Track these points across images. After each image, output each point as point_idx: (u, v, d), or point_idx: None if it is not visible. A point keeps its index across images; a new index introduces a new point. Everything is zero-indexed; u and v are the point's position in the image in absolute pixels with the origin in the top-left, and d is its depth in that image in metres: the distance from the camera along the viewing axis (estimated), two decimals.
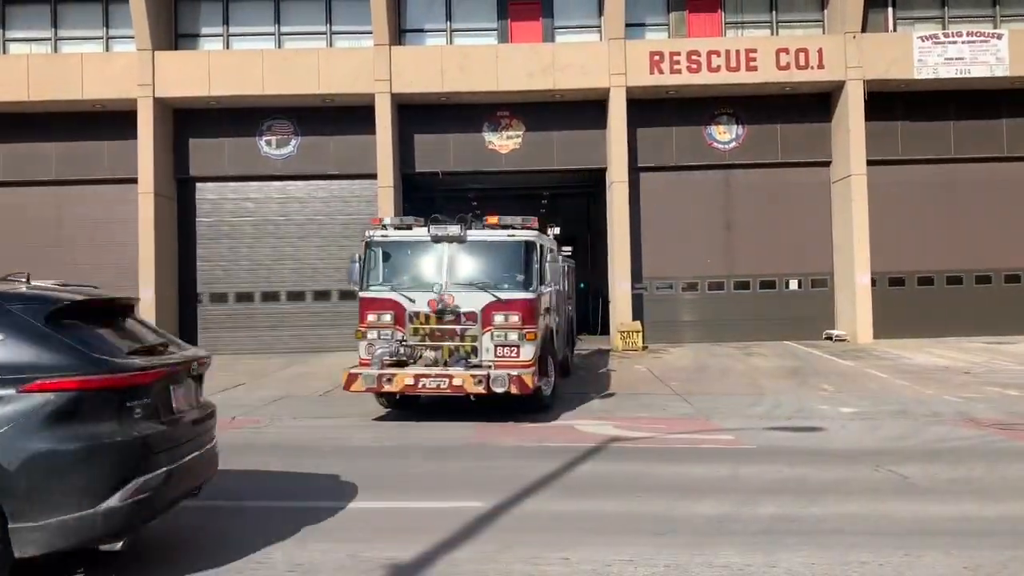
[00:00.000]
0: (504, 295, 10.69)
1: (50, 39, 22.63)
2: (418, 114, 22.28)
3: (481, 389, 10.16)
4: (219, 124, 22.26)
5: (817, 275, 22.76)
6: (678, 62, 21.45)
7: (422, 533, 5.44)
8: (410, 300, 10.72)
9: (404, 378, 10.33)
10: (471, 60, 21.47)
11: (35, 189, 22.21)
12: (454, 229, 10.92)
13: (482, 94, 21.66)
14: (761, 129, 22.51)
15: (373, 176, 21.43)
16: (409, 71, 21.41)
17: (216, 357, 6.67)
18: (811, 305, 22.61)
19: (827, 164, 22.69)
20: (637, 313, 21.91)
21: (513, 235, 11.06)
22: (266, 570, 4.77)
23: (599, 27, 22.67)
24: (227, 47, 22.49)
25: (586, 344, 21.93)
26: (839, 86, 21.68)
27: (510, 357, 10.58)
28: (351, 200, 22.58)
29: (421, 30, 22.82)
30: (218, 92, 21.31)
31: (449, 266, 10.88)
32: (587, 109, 22.36)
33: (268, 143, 22.41)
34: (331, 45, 22.51)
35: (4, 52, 22.49)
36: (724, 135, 22.67)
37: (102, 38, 22.68)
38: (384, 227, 11.46)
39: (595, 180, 24.61)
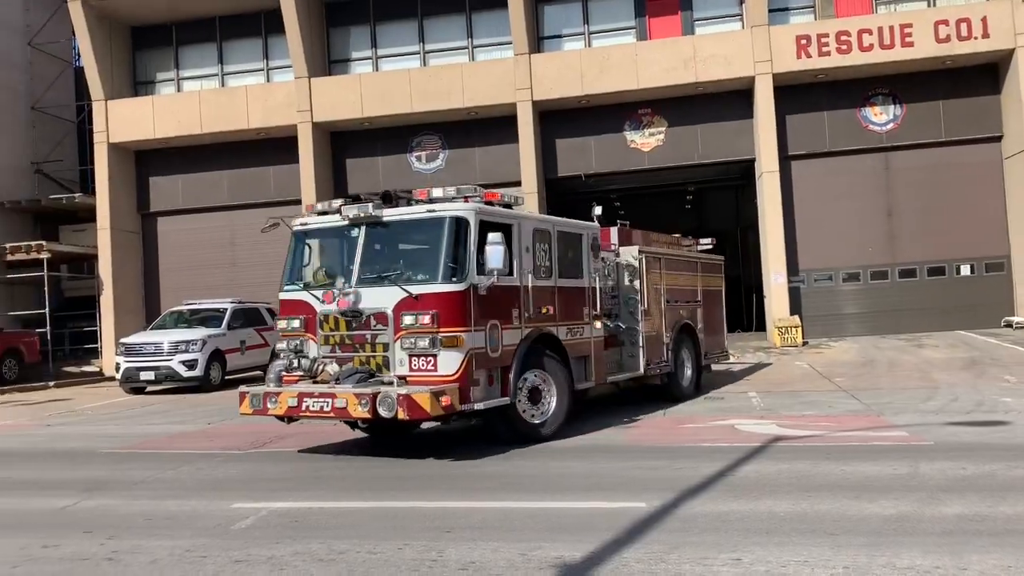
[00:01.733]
0: (416, 289, 8.43)
1: (218, 75, 24.41)
2: (559, 118, 22.47)
3: (366, 412, 8.02)
4: (372, 143, 23.33)
5: (992, 259, 21.21)
6: (826, 44, 20.59)
7: (587, 533, 5.51)
8: (320, 301, 8.92)
9: (288, 398, 8.49)
10: (610, 61, 21.45)
11: (211, 214, 24.04)
12: (367, 208, 8.90)
13: (622, 93, 21.61)
14: (921, 107, 21.25)
15: (518, 183, 21.78)
16: (549, 77, 21.64)
17: None
18: (986, 291, 21.10)
19: (998, 140, 21.14)
20: (794, 307, 21.16)
21: (434, 211, 8.70)
22: (439, 567, 4.97)
23: (740, 15, 22.11)
24: (376, 69, 23.51)
25: (740, 341, 21.37)
26: (1007, 55, 20.15)
27: (425, 370, 8.35)
28: None
29: (559, 36, 23.01)
30: (370, 113, 22.32)
31: (363, 255, 8.89)
32: (731, 100, 21.84)
33: (418, 158, 23.26)
34: (473, 59, 23.08)
35: (179, 90, 24.45)
36: (880, 116, 21.55)
37: (263, 70, 24.25)
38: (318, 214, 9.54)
39: (743, 172, 23.97)
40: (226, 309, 19.40)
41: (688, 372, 12.92)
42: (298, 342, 9.02)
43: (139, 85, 24.89)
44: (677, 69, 21.08)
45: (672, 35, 22.13)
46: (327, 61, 23.77)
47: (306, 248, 9.43)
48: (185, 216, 24.24)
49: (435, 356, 8.32)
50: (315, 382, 8.71)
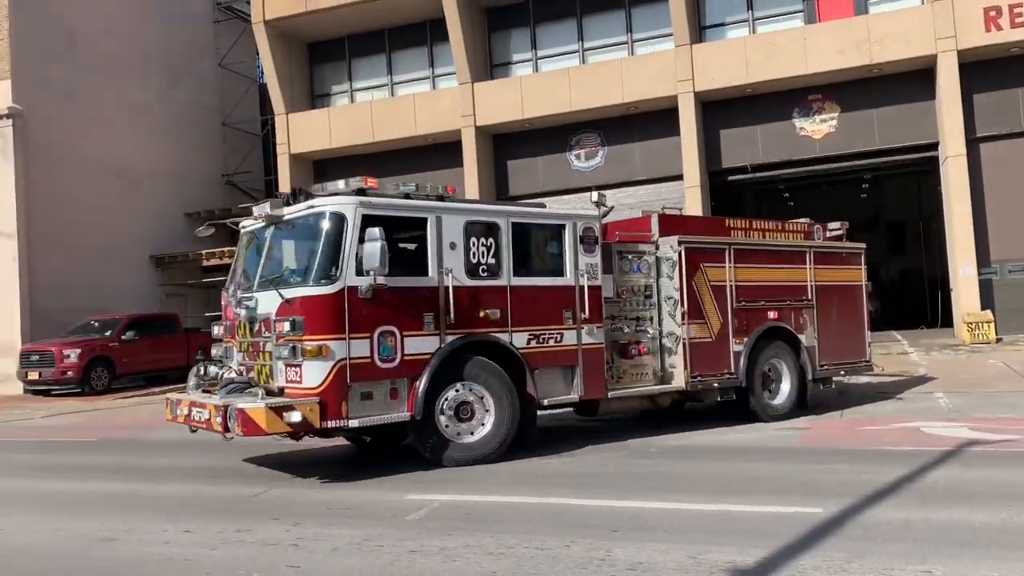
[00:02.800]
0: (289, 292, 7.88)
1: (387, 84, 25.49)
2: (722, 109, 21.86)
3: (220, 427, 7.65)
4: (533, 144, 23.60)
5: None
6: (1020, 14, 18.86)
7: (761, 537, 5.32)
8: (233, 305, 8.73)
9: (184, 406, 8.43)
10: (776, 46, 20.64)
11: None
12: (264, 208, 8.51)
13: (790, 80, 20.75)
14: None
15: (680, 178, 21.37)
16: (712, 67, 21.10)
17: None
18: None
19: None
20: (986, 301, 19.55)
21: (313, 207, 8.13)
22: (607, 567, 4.95)
23: None
24: (536, 70, 23.76)
25: (924, 339, 19.97)
26: None
27: (295, 381, 7.74)
28: (658, 204, 22.66)
29: (722, 24, 22.39)
30: (530, 114, 22.60)
31: (266, 257, 8.62)
32: (910, 81, 20.49)
33: (577, 157, 23.31)
34: (632, 53, 22.86)
35: (352, 101, 25.73)
36: None
37: (428, 78, 25.09)
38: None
39: (925, 157, 22.39)
40: None
41: (784, 387, 10.81)
42: (224, 348, 8.91)
43: (316, 98, 26.39)
44: (849, 51, 19.97)
45: (843, 16, 20.98)
46: (489, 65, 24.27)
47: (242, 250, 9.27)
48: None
49: (299, 366, 7.66)
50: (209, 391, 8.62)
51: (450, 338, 8.28)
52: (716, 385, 10.26)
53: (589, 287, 9.23)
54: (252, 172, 30.86)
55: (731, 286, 10.44)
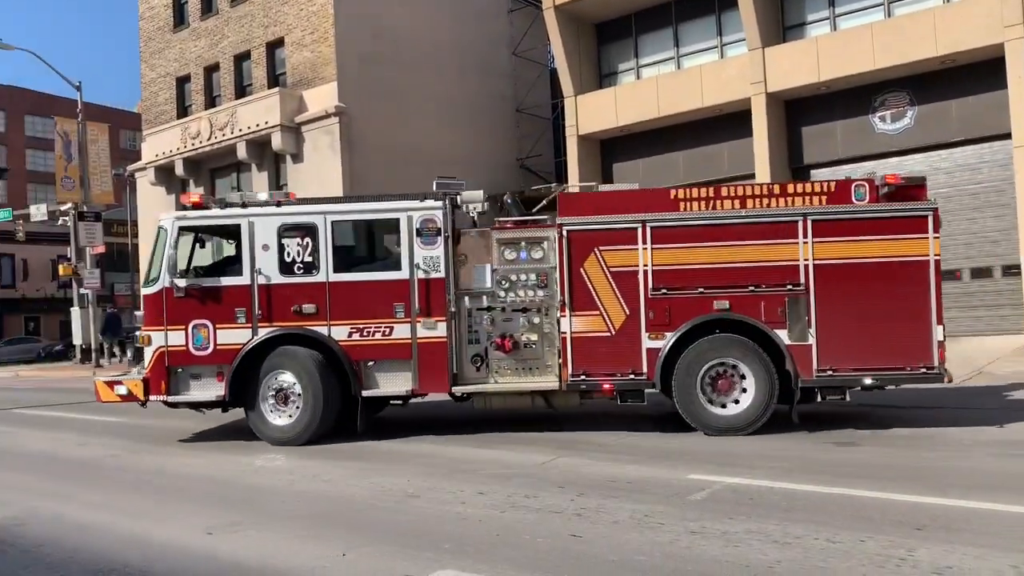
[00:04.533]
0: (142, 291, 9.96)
1: (673, 58, 25.13)
2: None
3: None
4: (829, 108, 22.04)
5: None
6: None
7: None
8: None
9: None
10: None
11: None
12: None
13: None
14: None
15: (1006, 136, 18.82)
16: None
17: None
18: None
19: None
20: None
21: (159, 219, 10.04)
22: (908, 568, 4.54)
23: None
24: (834, 29, 22.11)
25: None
26: None
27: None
28: (980, 167, 20.20)
29: None
30: (827, 76, 21.11)
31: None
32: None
33: (882, 119, 21.38)
34: (947, 0, 20.45)
35: (638, 78, 25.71)
36: None
37: (716, 47, 24.35)
38: None
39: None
40: None
41: (747, 395, 8.87)
42: None
43: (604, 78, 26.71)
44: None
45: None
46: (781, 28, 22.99)
47: None
48: None
49: (142, 351, 9.75)
50: None
51: (262, 331, 9.44)
52: (607, 387, 9.13)
53: (428, 280, 9.33)
54: (543, 155, 32.08)
55: (645, 271, 9.05)
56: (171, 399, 9.60)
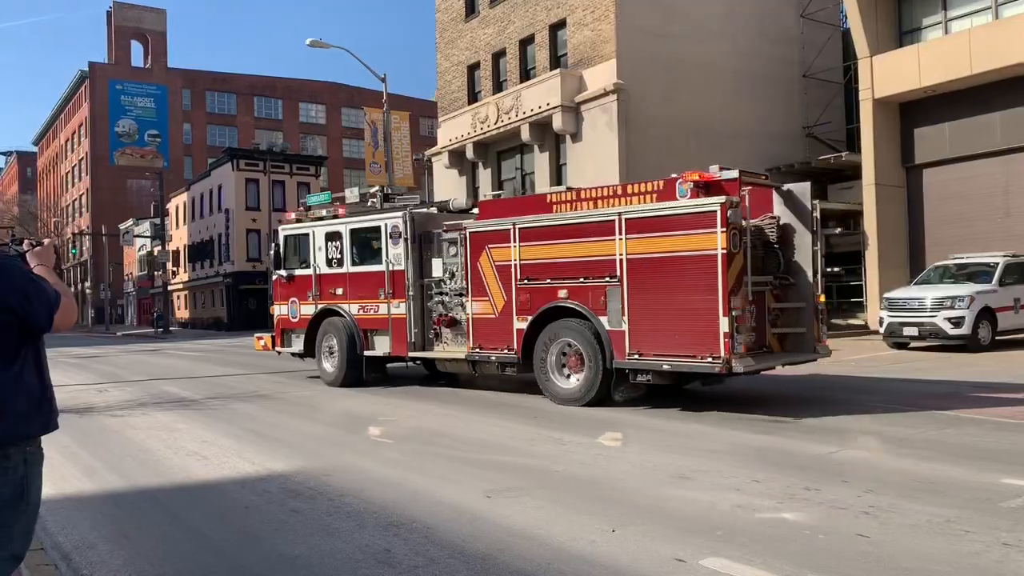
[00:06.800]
0: None
1: (990, 7, 22.19)
2: None
3: None
4: None
5: None
6: None
7: None
8: None
9: None
10: None
11: (980, 161, 22.17)
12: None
13: None
14: None
15: None
16: None
17: None
18: None
19: None
20: None
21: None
22: None
23: None
24: None
25: None
26: None
27: None
28: None
29: None
30: None
31: None
32: None
33: None
34: None
35: (946, 32, 23.05)
36: None
37: None
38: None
39: None
40: (997, 264, 17.88)
41: (582, 372, 10.28)
42: None
43: (903, 35, 24.24)
44: None
45: None
46: None
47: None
48: (951, 166, 22.84)
49: None
50: None
51: (319, 306, 13.92)
52: (494, 359, 11.25)
53: (394, 271, 12.70)
54: (832, 123, 29.85)
55: (516, 265, 10.86)
56: (280, 350, 14.88)
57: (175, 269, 63.91)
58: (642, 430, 8.88)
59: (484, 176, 31.91)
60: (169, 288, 58.39)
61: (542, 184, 27.73)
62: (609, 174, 24.45)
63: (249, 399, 12.67)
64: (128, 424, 10.40)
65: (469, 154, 31.70)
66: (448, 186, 33.07)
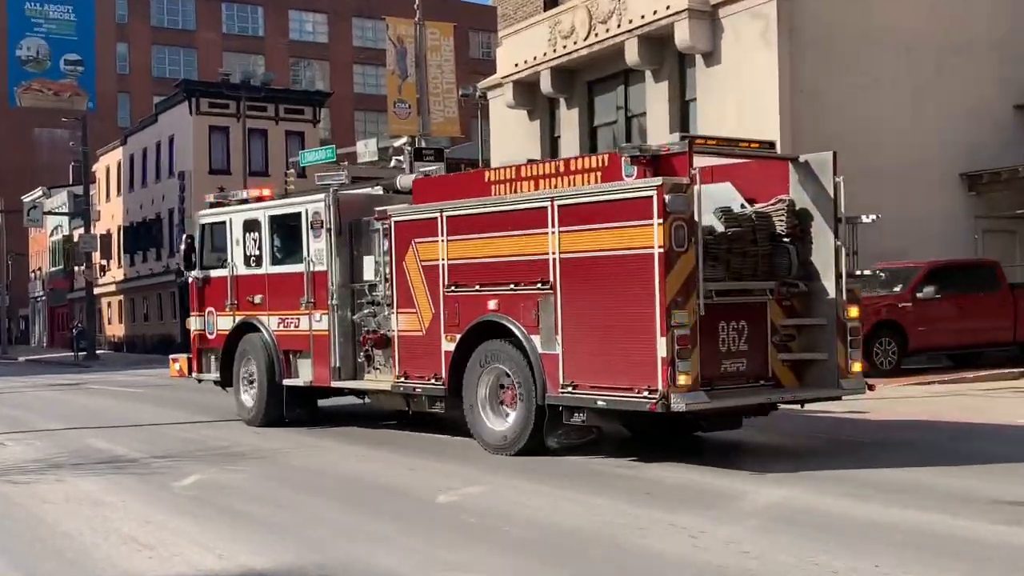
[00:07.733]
0: None
1: None
2: None
3: None
4: None
5: None
6: None
7: None
8: None
9: None
10: None
11: None
12: None
13: None
14: None
15: None
16: None
17: None
18: None
19: None
20: None
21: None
22: None
23: None
24: None
25: None
26: None
27: None
28: None
29: None
30: None
31: None
32: None
33: None
34: None
35: None
36: None
37: None
38: None
39: None
40: None
41: (516, 409, 7.81)
42: None
43: None
44: None
45: None
46: None
47: None
48: None
49: None
50: None
51: (236, 318, 10.61)
52: (419, 390, 8.69)
53: (315, 273, 9.52)
54: None
55: (443, 266, 8.41)
56: (199, 377, 12.17)
57: (104, 263, 47.41)
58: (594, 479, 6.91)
59: (568, 119, 22.09)
60: (96, 291, 42.52)
61: (657, 132, 18.95)
62: (764, 116, 16.23)
63: (210, 456, 9.15)
64: (36, 495, 7.64)
65: (545, 86, 21.50)
66: (512, 136, 23.35)
